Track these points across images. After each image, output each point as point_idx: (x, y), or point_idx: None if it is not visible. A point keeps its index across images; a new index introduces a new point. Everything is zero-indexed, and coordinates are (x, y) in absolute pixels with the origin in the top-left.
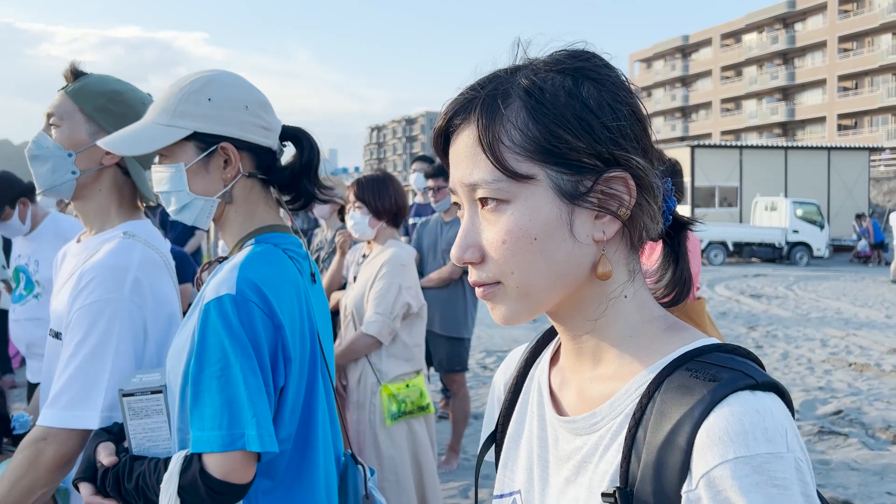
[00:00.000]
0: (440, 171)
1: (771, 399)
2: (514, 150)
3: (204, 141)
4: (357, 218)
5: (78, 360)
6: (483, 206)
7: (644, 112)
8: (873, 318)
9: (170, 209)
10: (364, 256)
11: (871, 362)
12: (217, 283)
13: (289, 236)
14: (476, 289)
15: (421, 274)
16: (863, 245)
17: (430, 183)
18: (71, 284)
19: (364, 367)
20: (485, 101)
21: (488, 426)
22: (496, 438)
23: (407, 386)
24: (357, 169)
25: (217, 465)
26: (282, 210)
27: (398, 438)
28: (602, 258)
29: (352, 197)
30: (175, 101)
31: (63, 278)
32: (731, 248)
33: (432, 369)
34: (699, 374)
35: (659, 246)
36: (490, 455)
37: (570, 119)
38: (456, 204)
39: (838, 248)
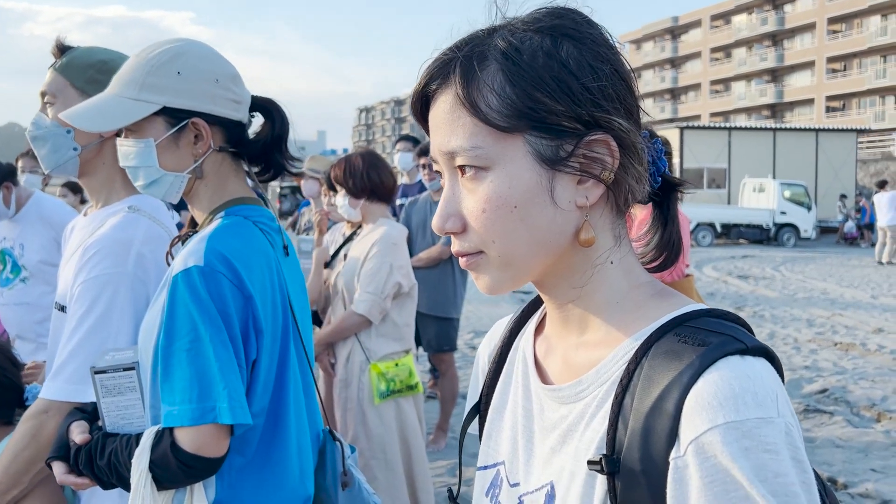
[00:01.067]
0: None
1: (761, 364)
2: (492, 115)
3: (174, 116)
4: (340, 200)
5: (81, 333)
6: (462, 174)
7: (628, 69)
8: (859, 299)
9: (137, 184)
10: (344, 235)
11: (856, 342)
12: (185, 255)
13: (259, 209)
14: (459, 259)
15: (410, 253)
16: (849, 226)
17: (423, 160)
18: (76, 258)
19: (353, 345)
20: (461, 63)
21: (472, 397)
22: (480, 409)
23: (396, 365)
24: (346, 150)
25: (188, 438)
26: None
27: (387, 417)
28: (585, 224)
29: (334, 183)
30: (143, 73)
31: (69, 252)
32: (718, 229)
33: (420, 349)
34: (688, 338)
35: (647, 213)
36: (474, 427)
37: (548, 81)
38: (438, 172)
39: (825, 230)
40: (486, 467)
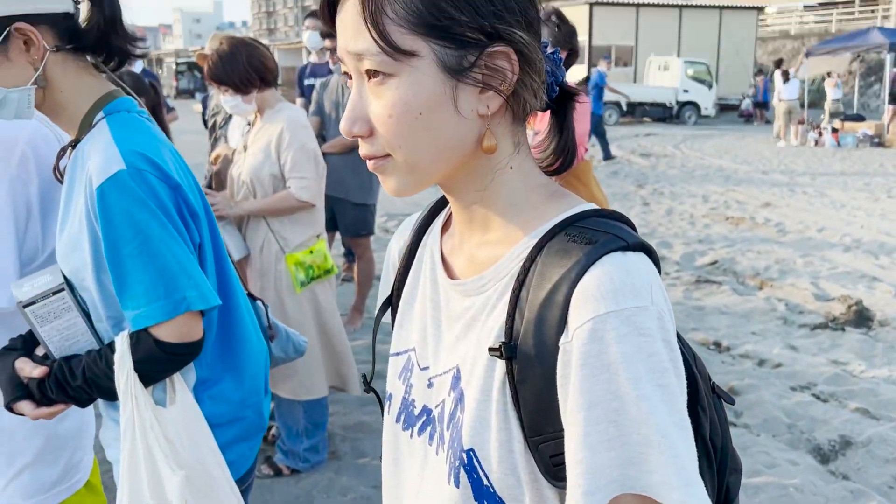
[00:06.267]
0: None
1: (639, 258)
2: (397, 23)
3: None
4: (230, 101)
5: None
6: (370, 78)
7: None
8: (751, 175)
9: None
10: (248, 126)
11: (745, 216)
12: (99, 164)
13: (128, 99)
14: (367, 161)
15: (324, 139)
16: (746, 104)
17: (328, 43)
18: None
19: (266, 235)
20: None
21: (384, 290)
22: (392, 301)
23: (311, 252)
24: (245, 24)
25: (169, 331)
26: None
27: (303, 304)
28: (487, 132)
29: (213, 82)
30: None
31: None
32: (624, 108)
33: (337, 233)
34: (576, 238)
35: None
36: (387, 317)
37: None
38: (346, 74)
39: (724, 108)
40: (398, 353)
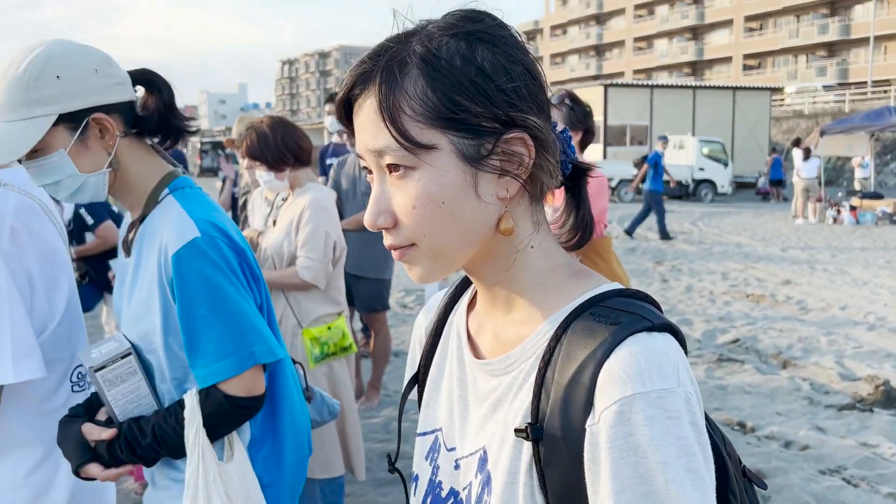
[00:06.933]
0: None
1: (665, 339)
2: (415, 119)
3: (73, 120)
4: (264, 177)
5: None
6: (391, 172)
7: (538, 68)
8: (770, 252)
9: (61, 196)
10: (267, 200)
11: (766, 293)
12: (174, 233)
13: (186, 177)
14: (392, 251)
15: (341, 215)
16: (763, 182)
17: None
18: None
19: (284, 308)
20: (383, 71)
21: (411, 368)
22: (418, 380)
23: (329, 328)
24: (269, 105)
25: (237, 386)
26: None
27: (318, 377)
28: (505, 215)
29: (248, 159)
30: (23, 91)
31: None
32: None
33: (354, 309)
34: (601, 318)
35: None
36: (413, 395)
37: (466, 85)
38: (366, 169)
39: (741, 185)
40: (425, 433)
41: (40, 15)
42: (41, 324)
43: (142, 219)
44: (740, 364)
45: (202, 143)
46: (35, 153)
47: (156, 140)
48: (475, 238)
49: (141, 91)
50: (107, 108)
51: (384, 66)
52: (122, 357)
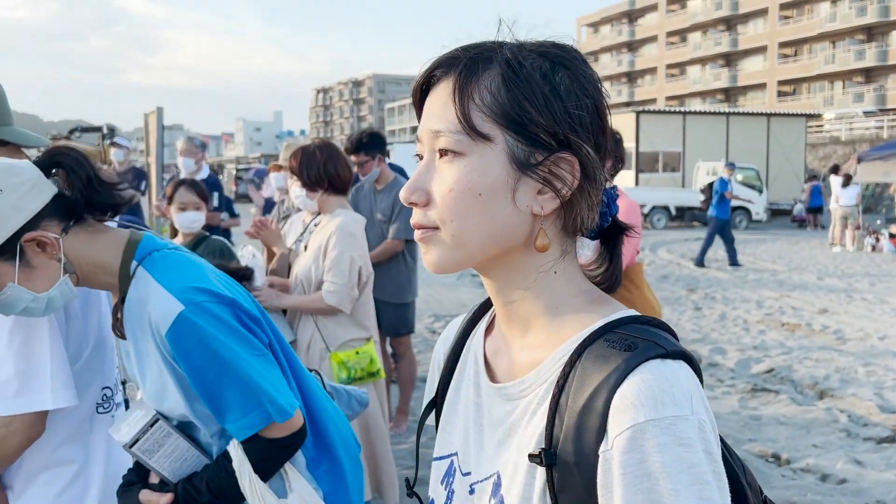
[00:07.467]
0: (359, 147)
1: (679, 366)
2: (481, 109)
3: (5, 251)
4: (296, 191)
5: (15, 349)
6: (441, 156)
7: (606, 112)
8: (806, 281)
9: (35, 316)
10: (304, 223)
11: (802, 322)
12: (159, 313)
13: (147, 236)
14: (415, 231)
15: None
16: (798, 209)
17: (353, 158)
18: None
19: (313, 332)
20: (469, 61)
21: (429, 392)
22: (436, 404)
23: (357, 353)
24: (303, 132)
25: (277, 429)
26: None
27: None
28: (541, 231)
29: (290, 173)
30: None
31: None
32: (673, 212)
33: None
34: (616, 344)
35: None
36: (431, 419)
37: (538, 96)
38: (418, 155)
39: (776, 212)
40: (441, 458)
41: (85, 46)
42: (76, 352)
43: (122, 298)
44: (775, 394)
45: (237, 170)
46: None
47: (95, 215)
48: (498, 241)
49: (61, 173)
50: (33, 221)
51: (471, 56)
52: (151, 425)
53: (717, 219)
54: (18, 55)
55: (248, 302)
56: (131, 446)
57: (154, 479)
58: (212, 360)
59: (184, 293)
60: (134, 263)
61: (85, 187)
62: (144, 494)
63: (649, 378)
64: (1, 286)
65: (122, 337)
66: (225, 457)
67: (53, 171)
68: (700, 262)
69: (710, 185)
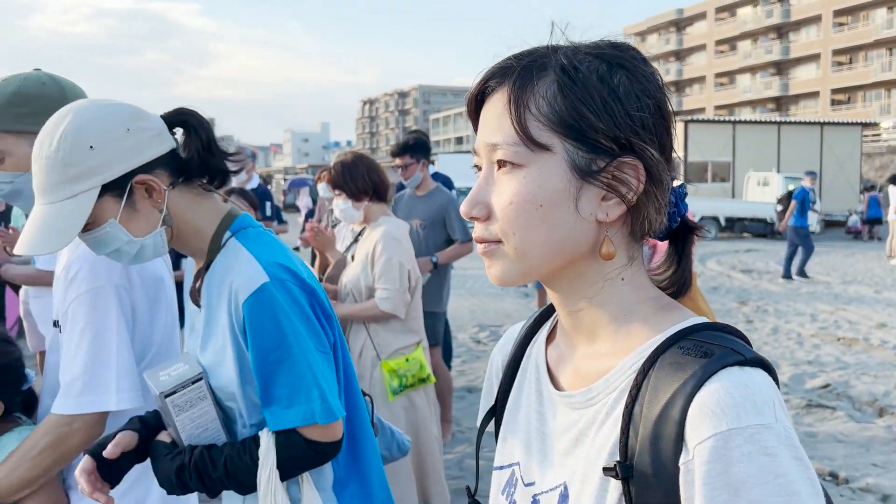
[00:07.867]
0: (404, 149)
1: (758, 374)
2: (538, 119)
3: (116, 187)
4: (341, 205)
5: (84, 347)
6: (500, 167)
7: (670, 111)
8: (863, 294)
9: (123, 262)
10: (353, 232)
11: (859, 337)
12: (243, 280)
13: (247, 215)
14: (477, 245)
15: None
16: (853, 220)
17: (398, 161)
18: (62, 276)
19: (364, 340)
20: (522, 69)
21: (487, 401)
22: (495, 413)
23: (406, 360)
24: (350, 143)
25: (319, 432)
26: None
27: (396, 411)
28: (606, 239)
29: (330, 186)
30: (59, 170)
31: (58, 269)
32: (723, 223)
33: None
34: (691, 351)
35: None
36: (490, 428)
37: (596, 100)
38: (476, 166)
39: (830, 224)
40: (502, 467)
41: (139, 60)
42: (140, 352)
43: (207, 266)
44: (831, 411)
45: (285, 180)
46: (87, 227)
47: (204, 181)
48: (562, 251)
49: (180, 132)
50: (148, 166)
51: (525, 65)
52: (194, 381)
53: (797, 227)
54: (80, 69)
55: (325, 297)
56: (167, 396)
57: (166, 438)
58: (279, 339)
59: (271, 267)
60: (227, 234)
61: (203, 149)
62: (161, 439)
63: (729, 385)
64: (101, 221)
65: (198, 304)
66: (254, 441)
67: (176, 128)
68: (787, 275)
69: (789, 193)
